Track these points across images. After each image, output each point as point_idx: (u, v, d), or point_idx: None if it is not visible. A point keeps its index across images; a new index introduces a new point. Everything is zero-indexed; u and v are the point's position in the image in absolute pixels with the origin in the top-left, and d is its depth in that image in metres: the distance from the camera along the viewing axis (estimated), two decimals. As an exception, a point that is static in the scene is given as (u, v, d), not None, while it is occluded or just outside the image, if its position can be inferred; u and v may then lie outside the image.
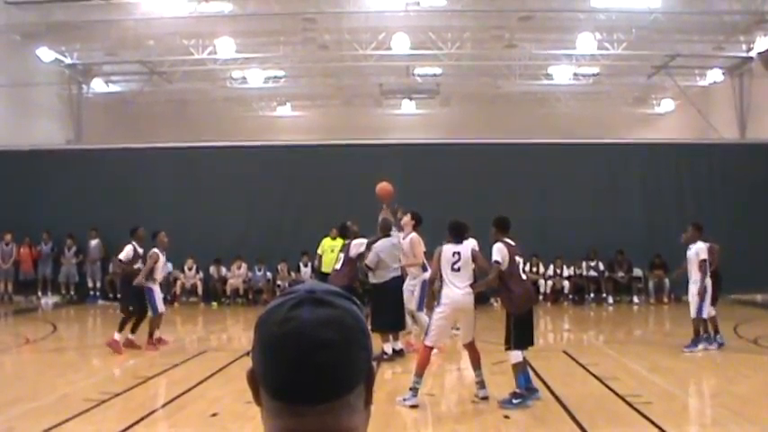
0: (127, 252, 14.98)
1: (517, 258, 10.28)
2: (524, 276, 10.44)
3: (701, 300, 13.91)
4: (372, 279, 13.89)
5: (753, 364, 13.05)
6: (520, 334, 9.98)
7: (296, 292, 1.44)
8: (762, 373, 12.26)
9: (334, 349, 1.37)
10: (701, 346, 14.06)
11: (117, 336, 14.28)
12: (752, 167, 24.39)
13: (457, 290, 10.01)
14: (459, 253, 10.17)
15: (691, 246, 14.22)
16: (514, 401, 9.69)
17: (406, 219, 13.73)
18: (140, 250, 15.01)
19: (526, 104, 35.42)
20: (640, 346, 15.12)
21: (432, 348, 10.21)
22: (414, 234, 13.52)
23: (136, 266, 14.85)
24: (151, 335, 14.81)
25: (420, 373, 9.91)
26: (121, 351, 14.07)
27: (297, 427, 1.39)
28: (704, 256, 13.97)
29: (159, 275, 15.27)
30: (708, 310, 14.07)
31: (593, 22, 26.89)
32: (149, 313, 14.76)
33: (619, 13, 26.39)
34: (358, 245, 14.14)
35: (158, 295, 14.98)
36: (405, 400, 9.80)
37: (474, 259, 10.27)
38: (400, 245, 13.57)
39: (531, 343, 10.24)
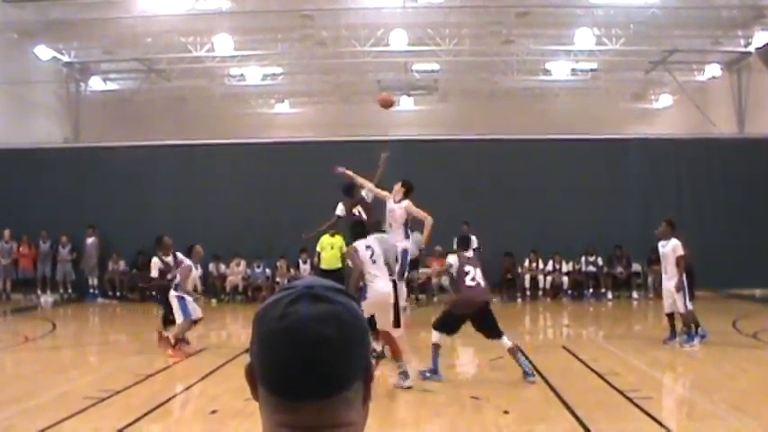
0: (155, 268, 14.70)
1: (467, 268, 11.17)
2: (473, 283, 11.12)
3: (684, 294, 14.01)
4: None
5: (752, 358, 13.06)
6: (446, 322, 11.23)
7: (294, 287, 1.43)
8: (761, 367, 12.25)
9: (332, 345, 1.37)
10: (677, 340, 14.14)
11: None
12: (750, 162, 24.39)
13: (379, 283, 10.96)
14: (370, 247, 11.14)
15: (665, 242, 14.35)
16: (428, 375, 11.03)
17: (397, 186, 13.90)
18: (167, 259, 14.66)
19: (524, 100, 35.39)
20: (640, 342, 15.12)
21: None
22: (407, 200, 13.69)
23: (169, 277, 14.48)
24: (177, 338, 14.55)
25: (399, 357, 10.74)
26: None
27: (294, 423, 1.39)
28: (681, 251, 14.10)
29: (189, 287, 14.92)
30: (688, 305, 14.17)
31: (590, 18, 26.90)
32: (179, 318, 14.17)
33: (617, 9, 26.40)
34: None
35: (189, 302, 14.61)
36: (402, 384, 10.38)
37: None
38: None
39: (450, 333, 11.30)
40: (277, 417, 1.40)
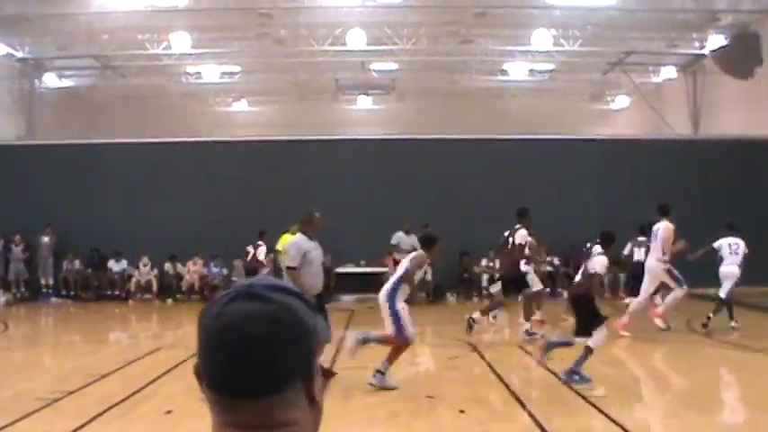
0: (263, 254, 20.11)
1: None
2: None
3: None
4: None
5: (703, 356, 13.26)
6: None
7: (237, 286, 1.43)
8: (711, 366, 12.47)
9: (264, 345, 1.35)
10: None
11: None
12: (704, 163, 24.68)
13: None
14: None
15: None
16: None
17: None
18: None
19: (482, 100, 35.54)
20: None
21: None
22: None
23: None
24: None
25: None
26: None
27: (234, 421, 1.38)
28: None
29: None
30: None
31: (548, 19, 27.06)
32: None
33: (574, 10, 26.57)
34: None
35: None
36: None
37: None
38: None
39: None
40: (219, 415, 1.41)
